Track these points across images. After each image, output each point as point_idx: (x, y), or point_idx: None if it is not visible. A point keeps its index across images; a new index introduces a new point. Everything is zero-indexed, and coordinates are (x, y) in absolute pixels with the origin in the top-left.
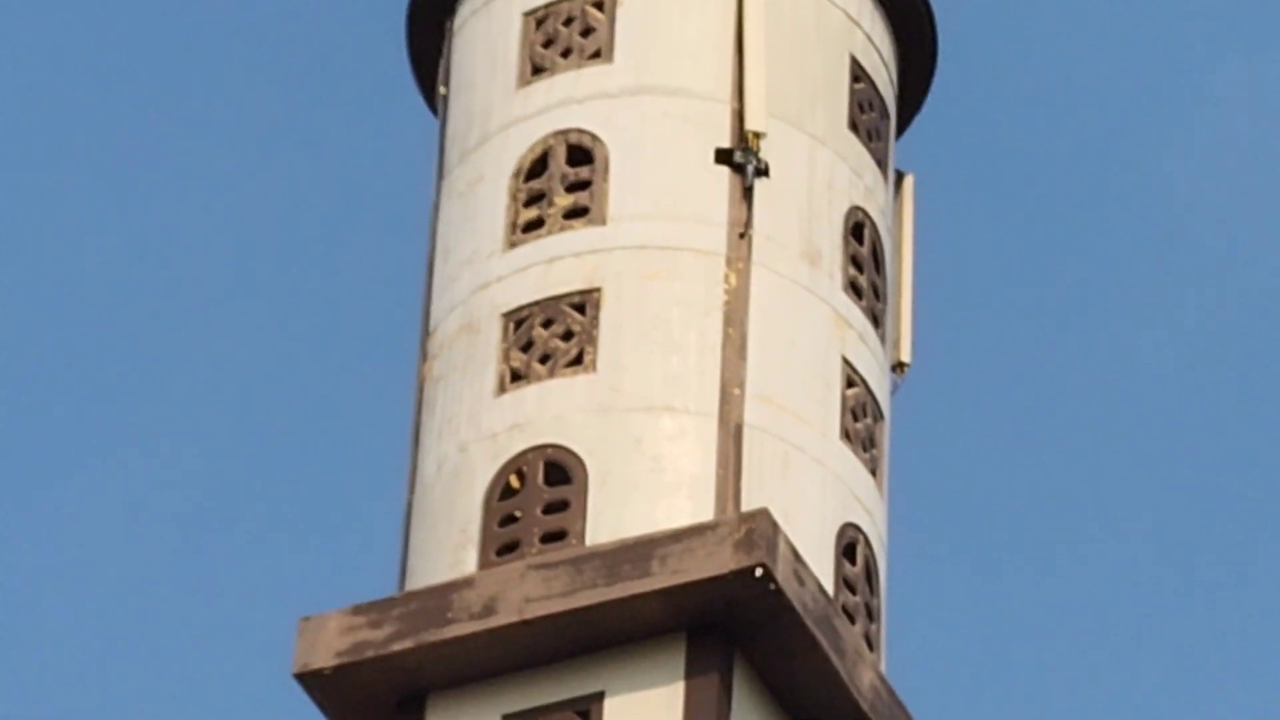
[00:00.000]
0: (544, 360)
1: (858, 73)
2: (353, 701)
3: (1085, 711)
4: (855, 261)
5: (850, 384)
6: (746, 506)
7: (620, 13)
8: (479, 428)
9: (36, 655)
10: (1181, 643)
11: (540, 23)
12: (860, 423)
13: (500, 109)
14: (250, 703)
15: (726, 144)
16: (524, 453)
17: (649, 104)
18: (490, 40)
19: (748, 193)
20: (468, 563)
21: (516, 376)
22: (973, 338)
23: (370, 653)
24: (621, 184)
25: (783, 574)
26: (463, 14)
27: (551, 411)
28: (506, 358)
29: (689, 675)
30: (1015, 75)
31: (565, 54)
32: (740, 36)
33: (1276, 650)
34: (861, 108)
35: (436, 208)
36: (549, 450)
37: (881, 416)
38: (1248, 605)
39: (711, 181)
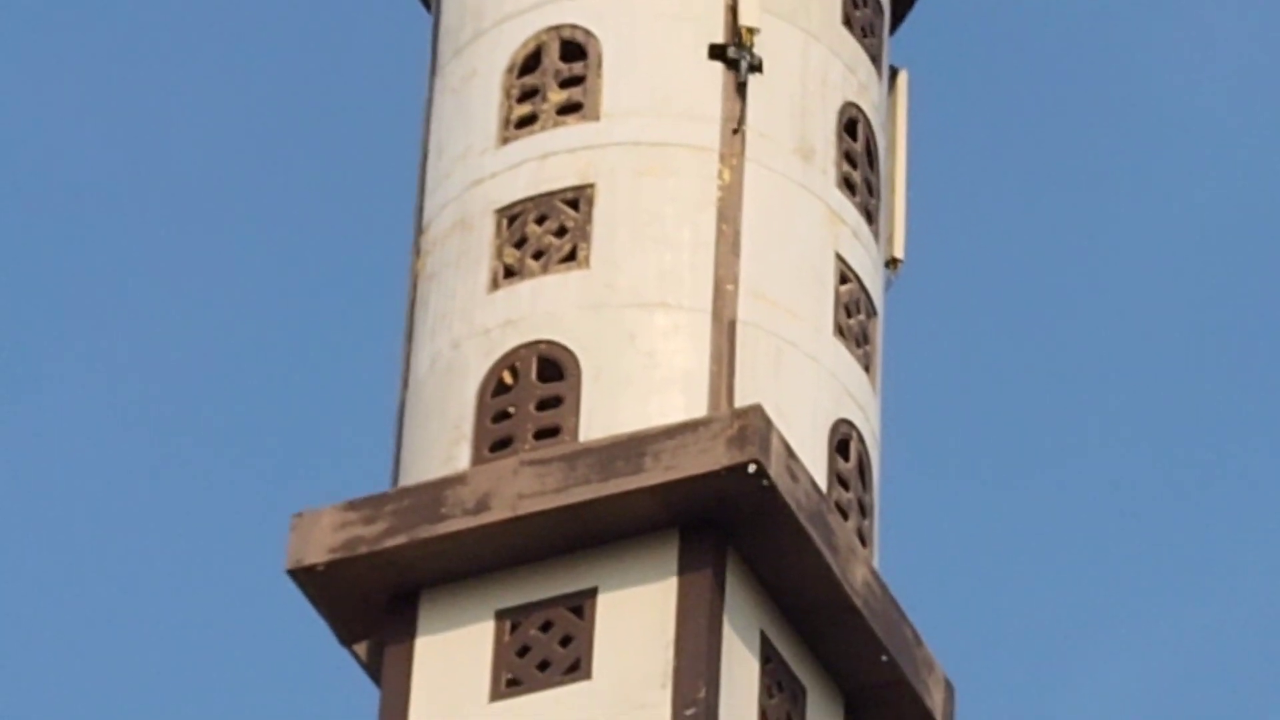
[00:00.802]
0: (537, 256)
1: None
2: (345, 597)
3: (1077, 606)
4: (849, 158)
5: (844, 280)
6: (740, 402)
7: None
8: (472, 324)
9: (29, 555)
10: (1176, 542)
11: None
12: (854, 319)
13: (493, 4)
14: (243, 599)
15: (720, 39)
16: (517, 349)
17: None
18: None
19: (741, 89)
20: (461, 459)
21: (510, 273)
22: (967, 234)
23: (363, 549)
24: (615, 80)
25: (776, 470)
26: None
27: (545, 308)
28: (500, 254)
29: (682, 571)
30: None
31: None
32: None
33: (1270, 550)
34: (855, 3)
35: (429, 104)
36: (542, 346)
37: (875, 313)
38: (1242, 506)
39: (705, 77)
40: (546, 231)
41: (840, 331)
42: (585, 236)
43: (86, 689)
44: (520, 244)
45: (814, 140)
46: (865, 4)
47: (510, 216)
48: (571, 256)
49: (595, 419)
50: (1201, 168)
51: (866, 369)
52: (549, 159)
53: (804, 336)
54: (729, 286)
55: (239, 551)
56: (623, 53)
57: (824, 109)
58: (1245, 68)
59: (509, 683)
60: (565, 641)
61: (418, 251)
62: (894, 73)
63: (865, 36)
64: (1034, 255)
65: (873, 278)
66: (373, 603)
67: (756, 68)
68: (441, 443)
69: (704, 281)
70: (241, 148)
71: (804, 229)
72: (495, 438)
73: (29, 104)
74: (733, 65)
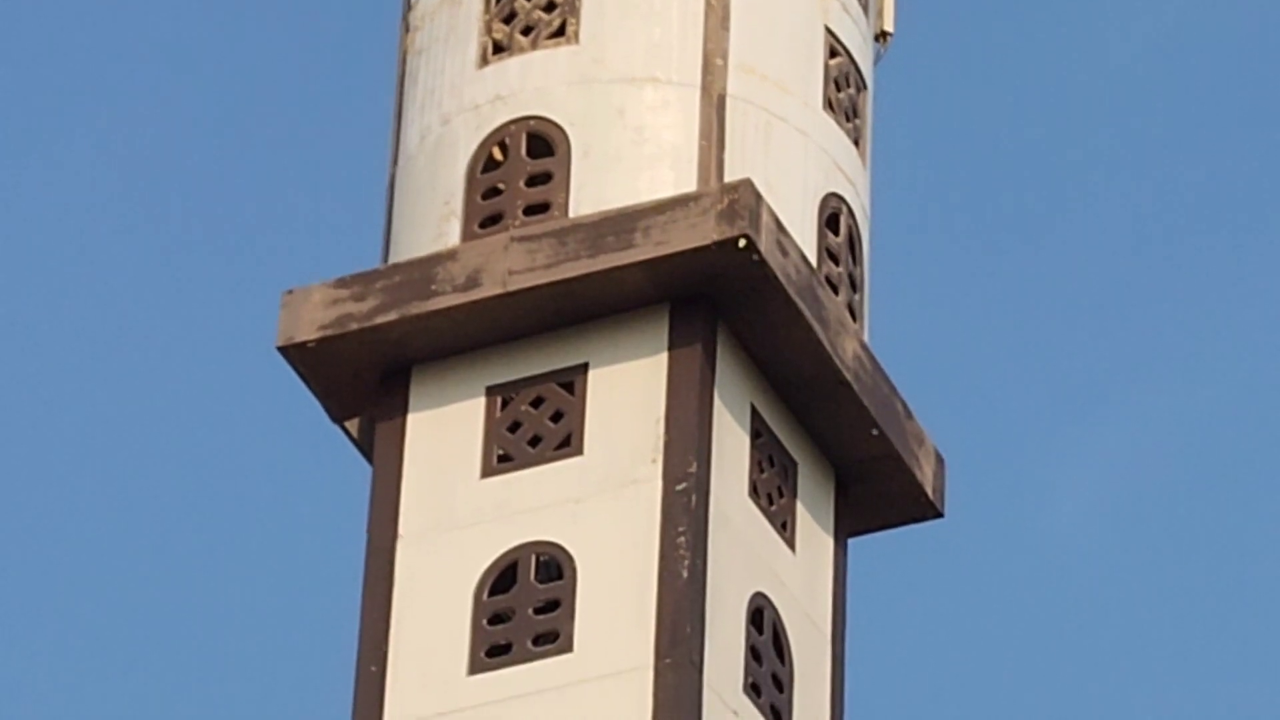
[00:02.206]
0: (526, 32)
1: None
2: (337, 374)
3: (1067, 380)
4: None
5: (833, 54)
6: (729, 177)
7: None
8: (461, 100)
9: (22, 332)
10: (1168, 318)
11: None
12: (843, 93)
13: None
14: (235, 377)
15: None
16: (506, 124)
17: None
18: None
19: None
20: (451, 235)
21: (499, 49)
22: (956, 7)
23: (354, 325)
24: None
25: (765, 244)
26: None
27: (534, 83)
28: (489, 29)
29: (672, 346)
30: None
31: None
32: None
33: (1261, 330)
34: None
35: None
36: (531, 122)
37: (865, 86)
38: (1235, 286)
39: None
40: (535, 6)
41: (830, 105)
42: (574, 11)
43: (76, 467)
44: (509, 19)
45: None
46: None
47: None
48: (560, 32)
49: (585, 195)
50: None
51: (856, 143)
52: None
53: (793, 110)
54: (718, 61)
55: (230, 329)
56: None
57: None
58: None
59: (500, 458)
60: (556, 417)
61: (406, 27)
62: None
63: None
64: (1023, 27)
65: (862, 51)
66: (364, 379)
67: None
68: (431, 219)
69: (693, 56)
70: None
71: (793, 3)
72: (485, 214)
73: None
74: None
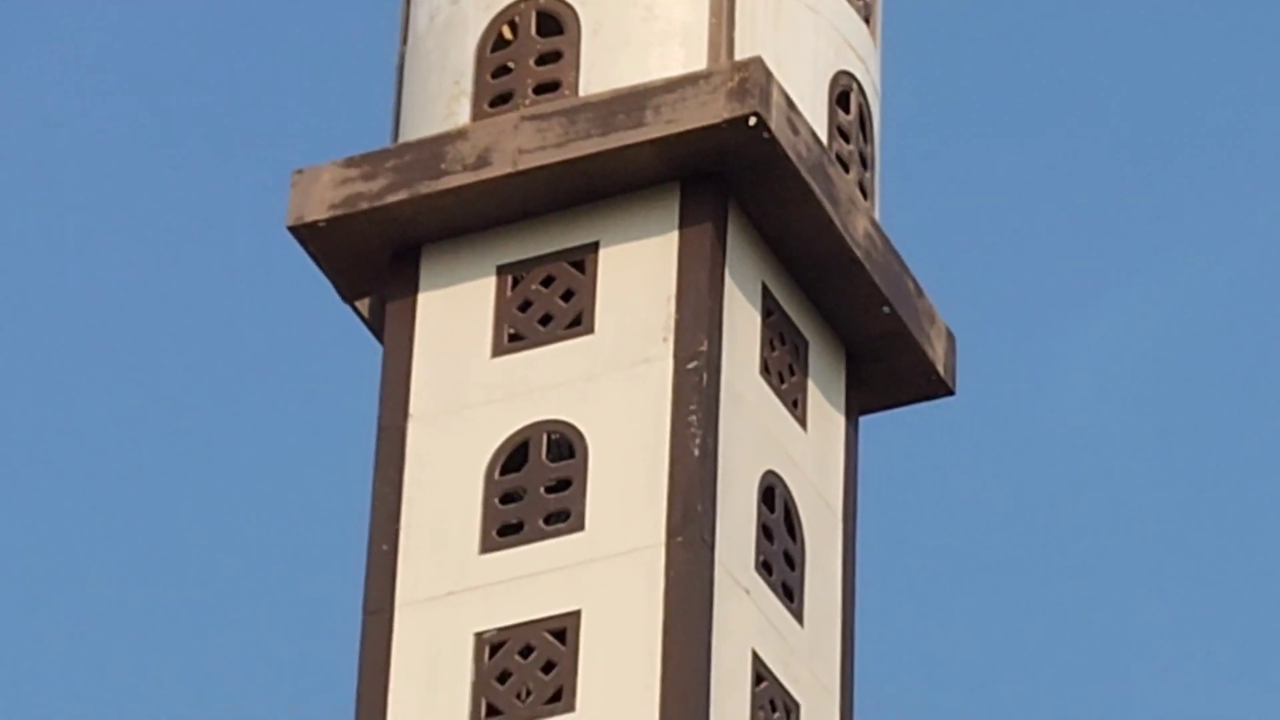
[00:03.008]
0: None
1: None
2: (347, 254)
3: (1078, 258)
4: None
5: None
6: (740, 55)
7: None
8: None
9: (31, 217)
10: (1177, 195)
11: None
12: None
13: None
14: (245, 257)
15: None
16: (516, 3)
17: None
18: None
19: None
20: (461, 114)
21: None
22: None
23: (364, 204)
24: None
25: (776, 122)
26: None
27: None
28: None
29: (683, 225)
30: None
31: None
32: None
33: (1273, 198)
34: None
35: None
36: (541, 1)
37: None
38: (1245, 154)
39: None
40: None
41: None
42: None
43: (85, 348)
44: None
45: None
46: None
47: None
48: None
49: (595, 73)
50: None
51: (866, 20)
52: None
53: None
54: None
55: (240, 210)
56: None
57: None
58: None
59: (511, 338)
60: (567, 296)
61: None
62: None
63: None
64: None
65: None
66: (374, 259)
67: None
68: (441, 99)
69: None
70: None
71: None
72: (495, 93)
73: None
74: None
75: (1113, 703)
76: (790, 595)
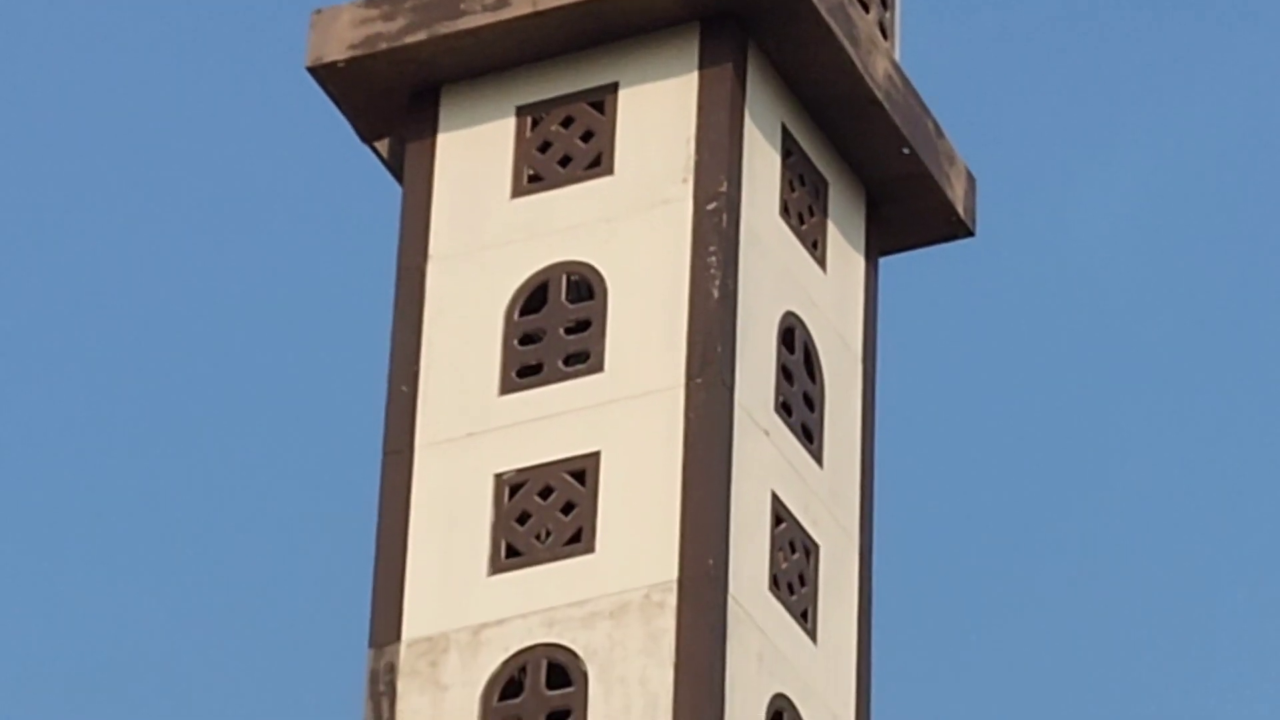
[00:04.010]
0: None
1: None
2: (366, 94)
3: (1097, 100)
4: None
5: None
6: None
7: None
8: None
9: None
10: (1191, 38)
11: None
12: None
13: None
14: (265, 98)
15: None
16: None
17: None
18: None
19: None
20: None
21: None
22: None
23: (384, 45)
24: None
25: None
26: None
27: None
28: None
29: (702, 65)
30: None
31: None
32: None
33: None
34: None
35: None
36: None
37: None
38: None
39: None
40: None
41: None
42: None
43: (105, 194)
44: None
45: None
46: None
47: None
48: None
49: None
50: None
51: None
52: None
53: None
54: None
55: (259, 50)
56: None
57: None
58: None
59: (530, 178)
60: (586, 137)
61: None
62: None
63: None
64: None
65: None
66: (394, 99)
67: None
68: None
69: None
70: None
71: None
72: None
73: None
74: None
75: (1126, 532)
76: (810, 437)
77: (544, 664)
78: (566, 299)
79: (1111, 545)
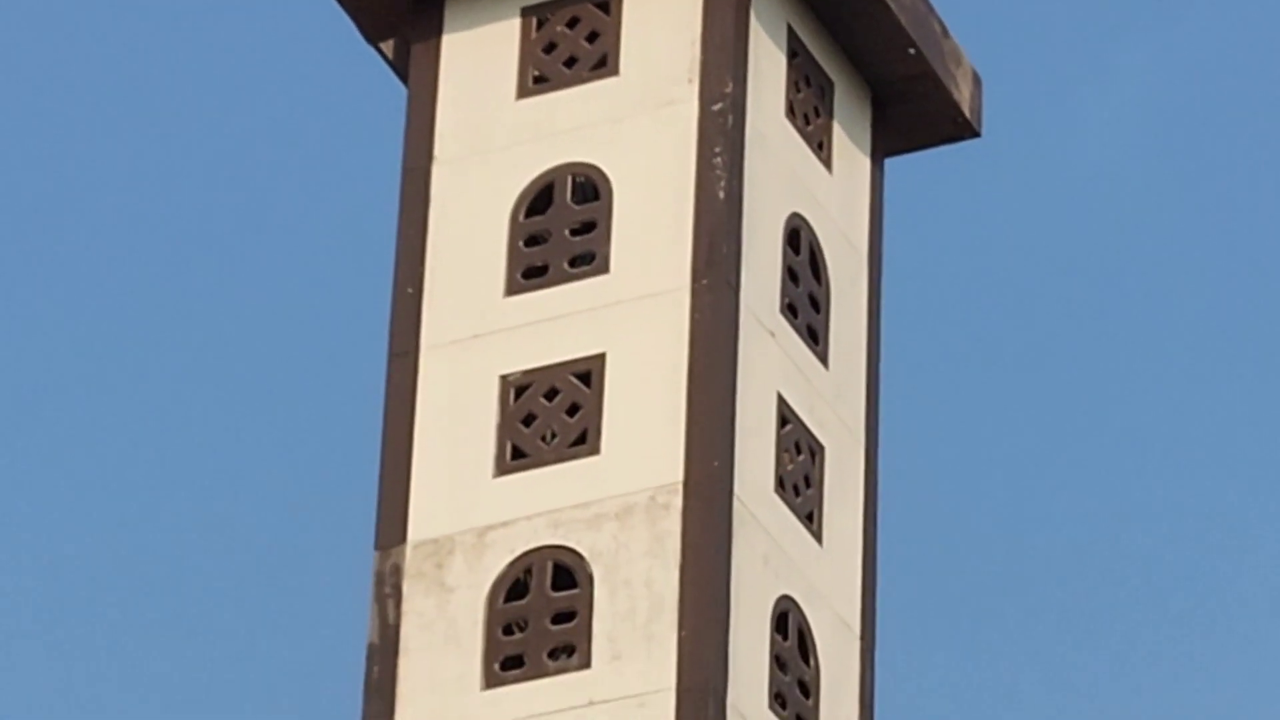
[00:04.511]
0: None
1: None
2: None
3: (1093, 6)
4: None
5: None
6: None
7: None
8: None
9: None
10: None
11: None
12: None
13: None
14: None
15: None
16: None
17: None
18: None
19: None
20: None
21: None
22: None
23: None
24: None
25: None
26: None
27: None
28: None
29: None
30: None
31: None
32: None
33: None
34: None
35: None
36: None
37: None
38: None
39: None
40: None
41: None
42: None
43: (105, 94)
44: None
45: None
46: None
47: None
48: None
49: None
50: None
51: None
52: None
53: None
54: None
55: None
56: None
57: None
58: None
59: (536, 80)
60: (592, 38)
61: None
62: None
63: None
64: None
65: None
66: (398, 0)
67: None
68: None
69: None
70: None
71: None
72: None
73: None
74: None
75: (1129, 429)
76: (815, 338)
77: (549, 566)
78: (572, 200)
79: (1115, 442)
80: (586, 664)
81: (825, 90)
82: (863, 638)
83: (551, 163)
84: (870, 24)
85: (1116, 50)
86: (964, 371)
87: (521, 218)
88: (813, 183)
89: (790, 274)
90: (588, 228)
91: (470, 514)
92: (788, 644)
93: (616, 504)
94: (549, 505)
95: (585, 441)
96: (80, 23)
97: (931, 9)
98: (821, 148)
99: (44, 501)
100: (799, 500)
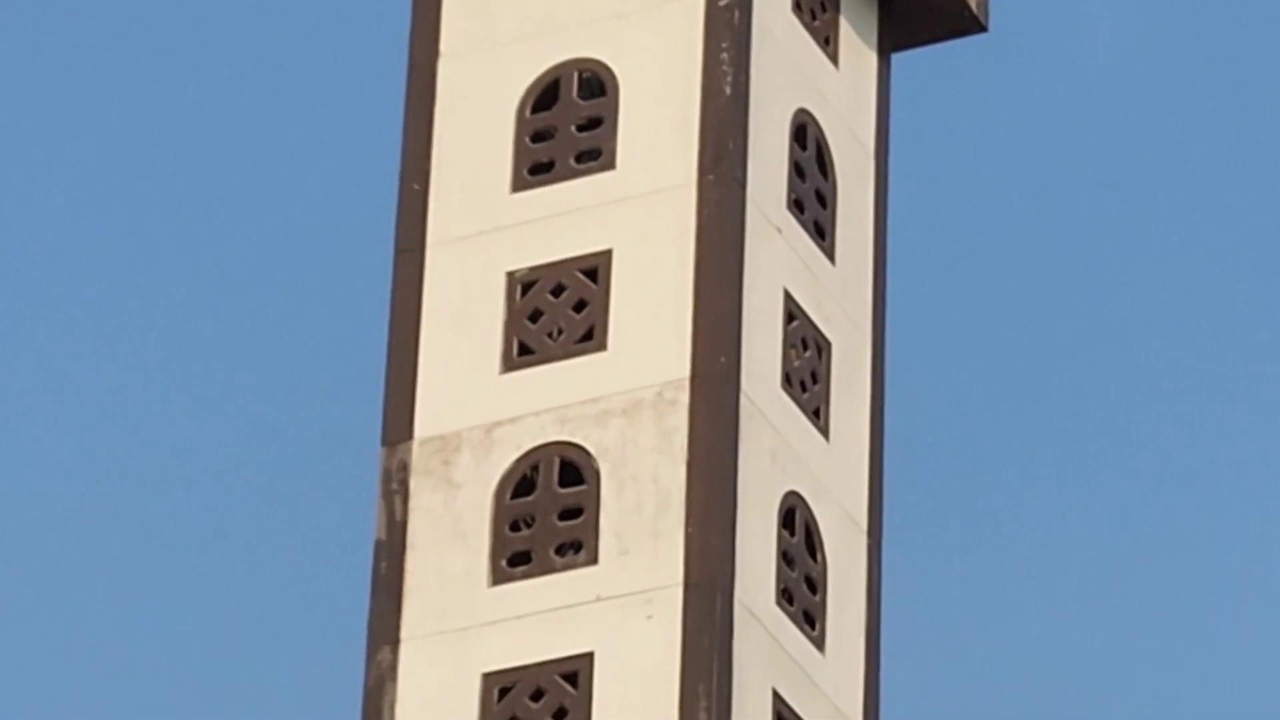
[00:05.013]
0: None
1: None
2: None
3: None
4: None
5: None
6: None
7: None
8: None
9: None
10: None
11: None
12: None
13: None
14: None
15: None
16: None
17: None
18: None
19: None
20: None
21: None
22: None
23: None
24: None
25: None
26: None
27: None
28: None
29: None
30: None
31: None
32: None
33: None
34: None
35: None
36: None
37: None
38: None
39: None
40: None
41: None
42: None
43: (117, 25)
44: None
45: None
46: None
47: None
48: None
49: None
50: None
51: None
52: None
53: None
54: None
55: None
56: None
57: None
58: None
59: None
60: None
61: None
62: None
63: None
64: None
65: None
66: None
67: None
68: None
69: None
70: None
71: None
72: None
73: None
74: None
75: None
76: (822, 233)
77: (556, 462)
78: (578, 96)
79: (1123, 330)
80: (594, 560)
81: None
82: (870, 533)
83: (558, 58)
84: None
85: None
86: (971, 267)
87: (528, 113)
88: (819, 78)
89: (797, 169)
90: (594, 124)
91: (477, 410)
92: (795, 540)
93: (623, 400)
94: (556, 401)
95: (592, 338)
96: None
97: None
98: (828, 43)
99: (58, 405)
100: (806, 396)
